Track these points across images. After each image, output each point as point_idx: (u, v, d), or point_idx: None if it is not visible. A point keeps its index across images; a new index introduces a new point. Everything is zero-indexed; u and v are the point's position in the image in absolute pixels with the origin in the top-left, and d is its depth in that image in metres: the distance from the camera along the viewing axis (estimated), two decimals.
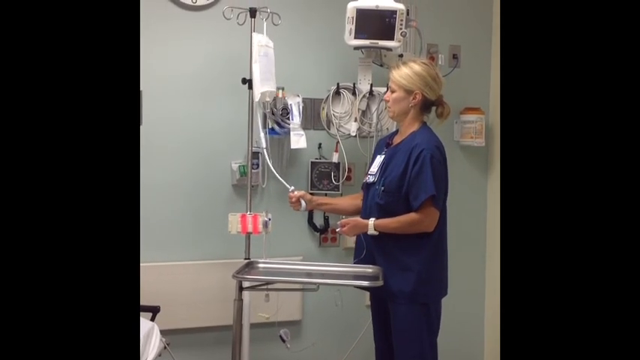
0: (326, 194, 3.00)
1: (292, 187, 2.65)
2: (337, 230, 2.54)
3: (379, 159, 2.55)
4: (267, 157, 2.73)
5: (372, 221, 2.42)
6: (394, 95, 2.48)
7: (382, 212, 2.43)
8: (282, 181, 2.69)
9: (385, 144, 2.59)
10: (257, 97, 2.59)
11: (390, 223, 2.41)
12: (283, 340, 2.92)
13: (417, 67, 2.45)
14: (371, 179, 2.53)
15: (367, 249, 2.50)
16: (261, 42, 2.61)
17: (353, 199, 2.75)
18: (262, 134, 2.74)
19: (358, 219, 2.51)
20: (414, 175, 2.37)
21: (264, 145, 2.73)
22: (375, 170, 2.52)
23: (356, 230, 2.50)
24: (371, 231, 2.42)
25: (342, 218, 3.12)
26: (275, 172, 2.73)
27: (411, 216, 2.39)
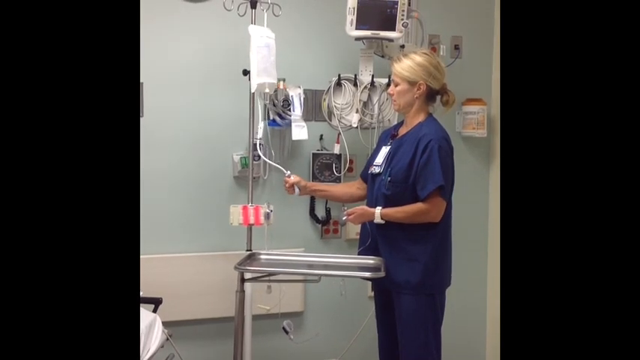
0: None
1: (288, 172, 2.64)
2: (343, 219, 2.54)
3: (385, 150, 2.55)
4: (258, 149, 2.70)
5: (378, 210, 2.42)
6: (398, 88, 2.47)
7: (388, 203, 2.43)
8: (278, 166, 2.69)
9: (390, 135, 2.59)
10: (253, 87, 2.58)
11: (396, 212, 2.41)
12: (287, 332, 2.92)
13: (418, 57, 2.44)
14: (377, 170, 2.52)
15: (372, 239, 2.51)
16: (259, 34, 2.59)
17: (348, 187, 2.77)
18: (260, 125, 2.71)
19: (365, 207, 2.51)
20: (421, 165, 2.37)
21: (259, 136, 2.70)
22: (381, 161, 2.52)
23: (362, 218, 2.50)
24: (377, 220, 2.42)
25: (345, 209, 3.13)
26: (269, 161, 2.72)
27: (418, 206, 2.39)
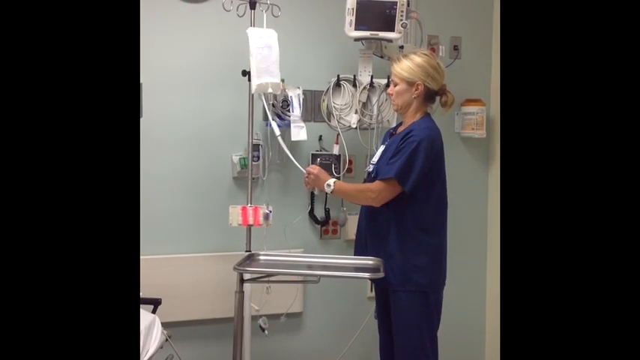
0: None
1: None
2: (306, 170, 2.58)
3: (381, 149, 2.59)
4: (282, 144, 2.67)
5: (333, 180, 2.49)
6: (397, 88, 2.49)
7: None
8: (299, 166, 2.67)
9: (389, 134, 2.63)
10: (253, 89, 2.58)
11: (348, 187, 2.52)
12: (263, 329, 2.92)
13: (417, 58, 2.45)
14: (371, 168, 2.56)
15: (360, 233, 2.57)
16: (258, 35, 2.59)
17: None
18: (274, 123, 2.72)
19: (322, 171, 2.55)
20: (393, 154, 2.41)
21: (278, 134, 2.70)
22: (376, 160, 2.56)
23: (314, 184, 2.56)
24: (327, 186, 2.48)
25: (344, 209, 3.13)
26: (296, 162, 2.69)
27: (367, 185, 2.48)
